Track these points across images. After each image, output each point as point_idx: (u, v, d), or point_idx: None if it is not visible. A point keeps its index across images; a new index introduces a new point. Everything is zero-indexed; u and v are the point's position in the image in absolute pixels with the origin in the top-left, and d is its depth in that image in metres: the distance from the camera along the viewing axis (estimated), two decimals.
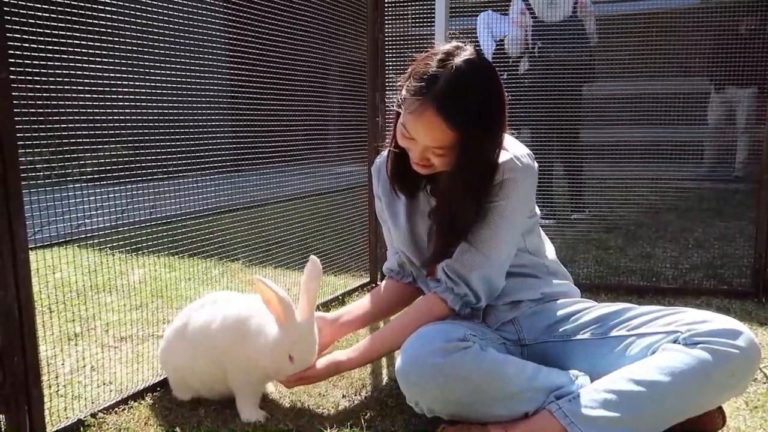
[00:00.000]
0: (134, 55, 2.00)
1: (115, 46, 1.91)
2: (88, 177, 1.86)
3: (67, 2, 1.70)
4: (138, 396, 1.83)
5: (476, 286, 1.68)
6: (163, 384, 1.90)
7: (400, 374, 1.56)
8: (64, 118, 1.72)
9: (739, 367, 1.45)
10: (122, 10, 1.89)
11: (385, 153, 1.84)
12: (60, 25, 1.65)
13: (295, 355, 1.65)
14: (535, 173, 1.71)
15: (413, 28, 3.00)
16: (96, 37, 1.84)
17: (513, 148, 1.67)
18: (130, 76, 2.02)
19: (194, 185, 2.26)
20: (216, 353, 1.70)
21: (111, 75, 1.92)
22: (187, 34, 2.15)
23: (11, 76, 1.38)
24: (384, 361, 2.07)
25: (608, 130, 3.56)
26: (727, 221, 4.18)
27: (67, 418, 1.66)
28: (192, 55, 2.21)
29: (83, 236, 1.83)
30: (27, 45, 1.49)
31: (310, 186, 3.00)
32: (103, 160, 2.05)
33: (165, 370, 1.88)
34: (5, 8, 1.38)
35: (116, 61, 1.94)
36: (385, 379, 2.00)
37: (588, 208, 3.70)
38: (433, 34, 2.73)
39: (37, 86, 1.61)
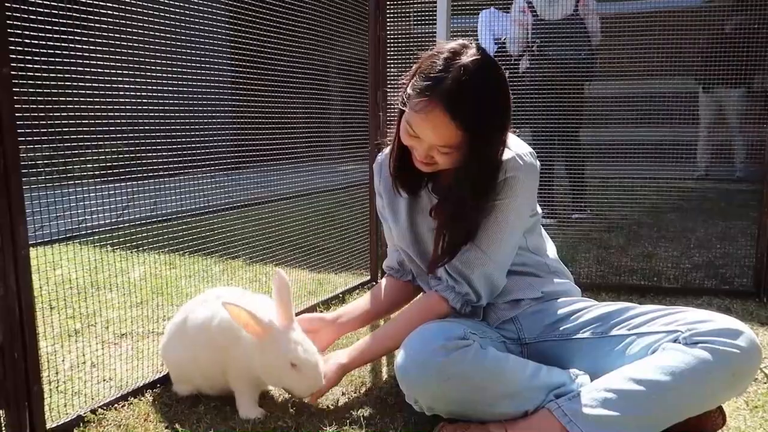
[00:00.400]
0: (137, 52, 2.00)
1: (118, 43, 1.91)
2: (89, 174, 1.86)
3: None
4: (138, 392, 1.83)
5: (477, 284, 1.68)
6: (163, 381, 1.90)
7: (400, 372, 1.55)
8: (66, 114, 1.72)
9: (740, 367, 1.45)
10: (125, 7, 1.89)
11: (387, 150, 1.84)
12: (62, 21, 1.65)
13: (297, 362, 1.63)
14: (537, 172, 1.71)
15: (415, 26, 3.00)
16: (98, 33, 1.84)
17: (516, 147, 1.67)
18: (132, 73, 2.02)
19: (195, 183, 2.26)
20: (215, 350, 1.70)
21: (113, 72, 1.92)
22: (189, 31, 2.15)
23: (12, 72, 1.38)
24: (384, 359, 2.07)
25: (609, 129, 3.55)
26: (728, 221, 4.17)
27: (67, 414, 1.66)
28: (194, 52, 2.21)
29: (84, 233, 1.83)
30: (28, 41, 1.49)
31: (311, 184, 2.99)
32: (104, 157, 2.05)
33: (167, 365, 1.88)
34: (6, 3, 1.38)
35: (118, 58, 1.94)
36: (384, 377, 2.00)
37: (589, 207, 3.69)
38: (435, 32, 2.72)
39: (39, 82, 1.61)
